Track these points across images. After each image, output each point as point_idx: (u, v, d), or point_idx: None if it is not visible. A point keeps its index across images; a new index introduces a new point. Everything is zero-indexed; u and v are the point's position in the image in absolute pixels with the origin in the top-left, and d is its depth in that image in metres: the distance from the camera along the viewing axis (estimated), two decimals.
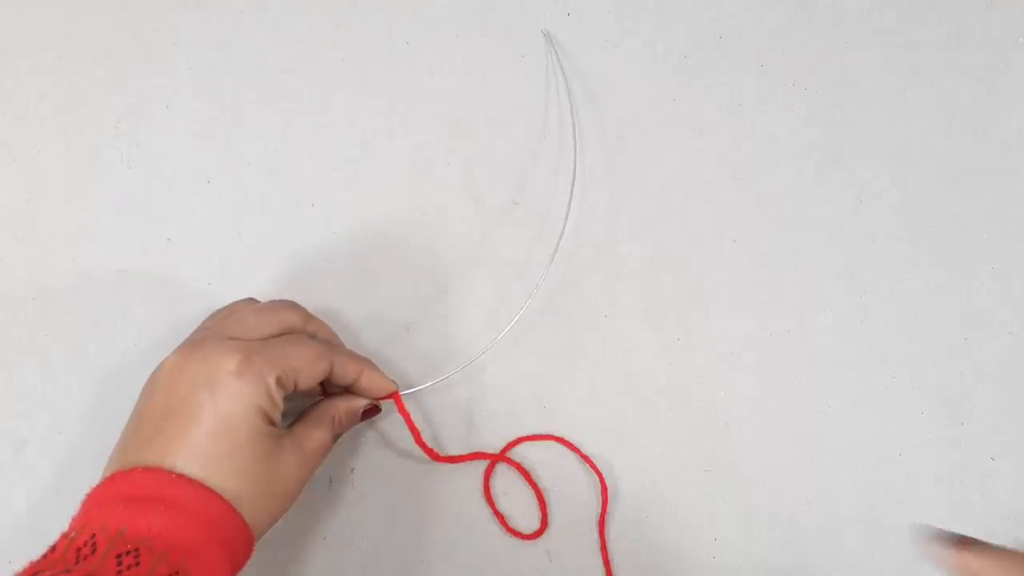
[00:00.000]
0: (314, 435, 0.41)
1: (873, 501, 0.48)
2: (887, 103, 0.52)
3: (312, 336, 0.44)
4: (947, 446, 0.49)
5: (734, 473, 0.48)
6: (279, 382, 0.39)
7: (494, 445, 0.48)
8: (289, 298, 0.48)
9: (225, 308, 0.44)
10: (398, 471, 0.48)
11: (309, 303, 0.49)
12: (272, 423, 0.39)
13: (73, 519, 0.37)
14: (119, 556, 0.34)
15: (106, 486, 0.37)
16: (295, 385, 0.40)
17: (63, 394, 0.48)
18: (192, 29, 0.51)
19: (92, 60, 0.51)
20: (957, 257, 0.50)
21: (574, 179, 0.48)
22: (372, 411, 0.45)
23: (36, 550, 0.47)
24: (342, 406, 0.44)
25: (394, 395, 0.45)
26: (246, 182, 0.50)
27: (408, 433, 0.45)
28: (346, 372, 0.43)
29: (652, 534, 0.48)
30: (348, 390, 0.44)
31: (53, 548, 0.35)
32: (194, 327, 0.49)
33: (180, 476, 0.36)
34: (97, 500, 0.37)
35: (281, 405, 0.39)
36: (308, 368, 0.41)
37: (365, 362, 0.44)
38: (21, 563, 0.47)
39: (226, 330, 0.41)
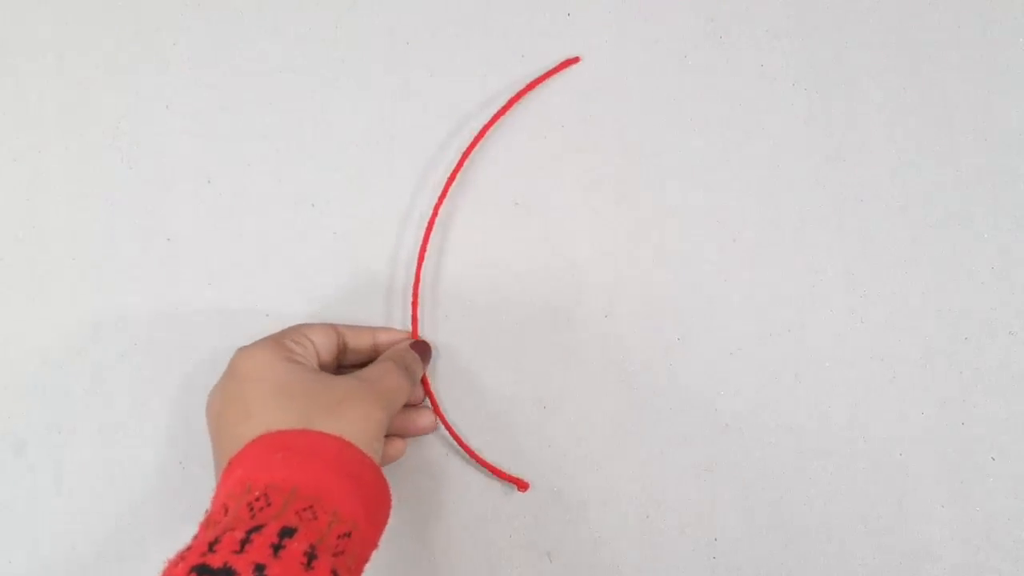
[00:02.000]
0: (371, 367, 0.43)
1: (873, 501, 0.48)
2: (887, 103, 0.52)
3: None
4: (947, 446, 0.49)
5: (734, 473, 0.48)
6: (290, 338, 0.42)
7: (494, 444, 0.48)
8: (289, 298, 0.48)
9: None
10: (398, 470, 0.48)
11: (309, 303, 0.49)
12: (301, 362, 0.41)
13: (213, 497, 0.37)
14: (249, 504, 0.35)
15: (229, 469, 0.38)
16: (312, 345, 0.43)
17: (63, 394, 0.48)
18: (192, 29, 0.51)
19: (92, 60, 0.51)
20: (957, 257, 0.50)
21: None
22: (424, 348, 0.47)
23: (36, 549, 0.47)
24: (391, 349, 0.46)
25: (419, 342, 0.47)
26: (246, 182, 0.50)
27: None
28: (359, 335, 0.46)
29: (652, 534, 0.48)
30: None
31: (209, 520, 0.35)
32: (193, 327, 0.49)
33: (279, 432, 0.37)
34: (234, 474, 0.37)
35: (301, 352, 0.42)
36: (317, 332, 0.44)
37: (375, 328, 0.47)
38: (20, 563, 0.47)
39: None
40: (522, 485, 0.48)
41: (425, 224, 0.50)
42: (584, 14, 0.52)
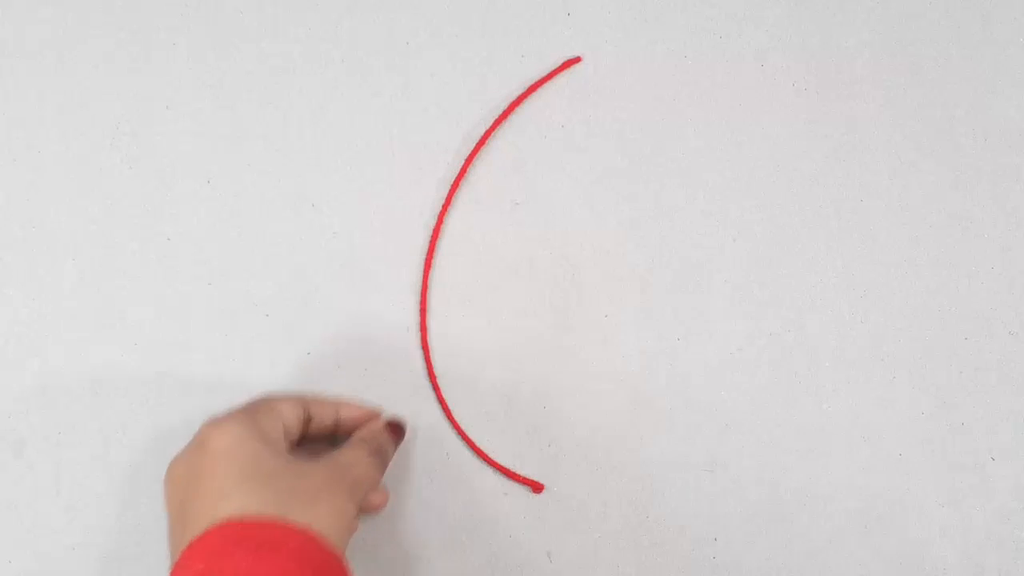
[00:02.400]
0: (344, 451, 0.42)
1: (873, 501, 0.48)
2: (887, 103, 0.52)
3: None
4: (947, 446, 0.49)
5: (734, 473, 0.48)
6: (262, 414, 0.40)
7: (494, 445, 0.48)
8: (289, 298, 0.48)
9: None
10: (399, 471, 0.48)
11: (309, 303, 0.49)
12: (274, 442, 0.40)
13: None
14: None
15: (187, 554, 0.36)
16: (282, 422, 0.41)
17: (63, 394, 0.48)
18: (192, 29, 0.51)
19: (92, 60, 0.51)
20: (957, 257, 0.50)
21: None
22: (398, 431, 0.46)
23: (36, 549, 0.47)
24: (365, 428, 0.45)
25: (391, 423, 0.46)
26: (246, 182, 0.50)
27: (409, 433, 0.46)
28: (323, 409, 0.44)
29: (652, 534, 0.48)
30: (338, 432, 0.45)
31: None
32: (193, 327, 0.49)
33: (233, 519, 0.36)
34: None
35: (273, 431, 0.40)
36: (286, 407, 0.42)
37: (339, 401, 0.45)
38: (21, 563, 0.47)
39: None
40: (537, 487, 0.48)
41: (425, 224, 0.50)
42: (584, 14, 0.52)
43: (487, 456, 0.48)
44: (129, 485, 0.47)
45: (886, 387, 0.49)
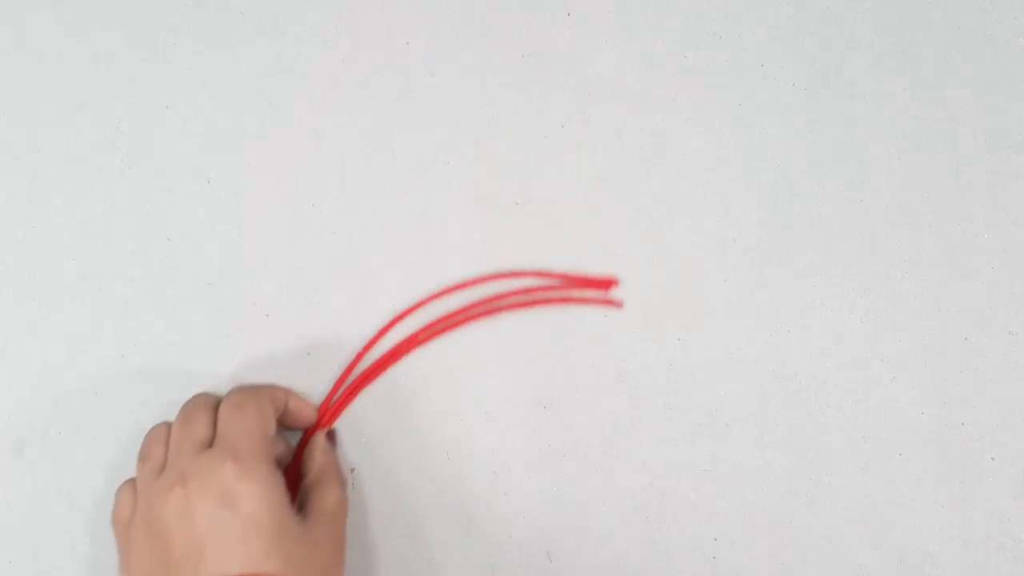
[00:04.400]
0: (325, 496, 0.44)
1: (873, 501, 0.48)
2: (887, 103, 0.52)
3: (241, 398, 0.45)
4: (947, 446, 0.49)
5: (734, 473, 0.48)
6: (275, 461, 0.42)
7: (494, 445, 0.48)
8: (289, 298, 0.48)
9: (176, 422, 0.44)
10: (398, 471, 0.48)
11: (308, 303, 0.49)
12: (288, 504, 0.41)
13: None
14: None
15: None
16: (272, 444, 0.43)
17: (63, 394, 0.48)
18: (192, 29, 0.51)
19: (92, 60, 0.51)
20: (957, 257, 0.50)
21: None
22: (333, 438, 0.48)
23: (36, 549, 0.47)
24: (319, 458, 0.46)
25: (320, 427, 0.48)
26: (246, 182, 0.50)
27: (405, 432, 0.46)
28: (275, 395, 0.46)
29: (652, 534, 0.48)
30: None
31: None
32: (193, 327, 0.49)
33: None
34: None
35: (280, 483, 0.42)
36: (270, 426, 0.43)
37: (286, 389, 0.47)
38: (21, 563, 0.47)
39: (192, 442, 0.42)
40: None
41: (425, 223, 0.50)
42: (584, 14, 0.52)
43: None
44: None
45: (886, 387, 0.49)
